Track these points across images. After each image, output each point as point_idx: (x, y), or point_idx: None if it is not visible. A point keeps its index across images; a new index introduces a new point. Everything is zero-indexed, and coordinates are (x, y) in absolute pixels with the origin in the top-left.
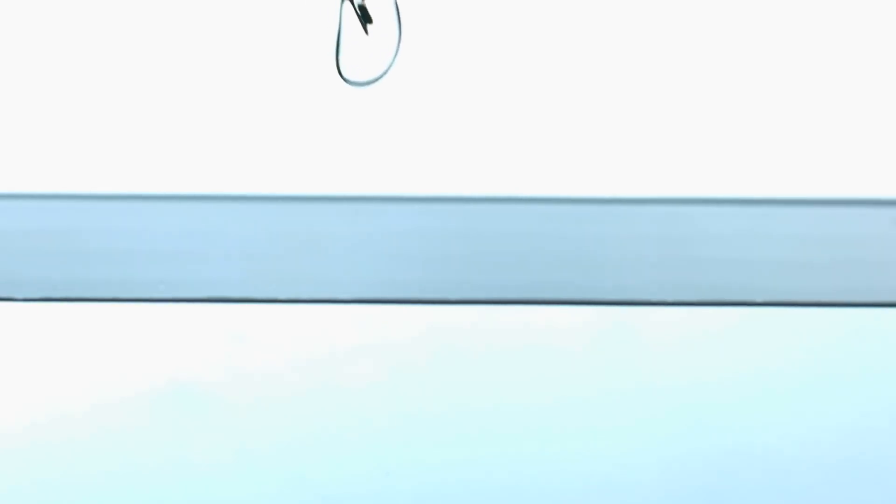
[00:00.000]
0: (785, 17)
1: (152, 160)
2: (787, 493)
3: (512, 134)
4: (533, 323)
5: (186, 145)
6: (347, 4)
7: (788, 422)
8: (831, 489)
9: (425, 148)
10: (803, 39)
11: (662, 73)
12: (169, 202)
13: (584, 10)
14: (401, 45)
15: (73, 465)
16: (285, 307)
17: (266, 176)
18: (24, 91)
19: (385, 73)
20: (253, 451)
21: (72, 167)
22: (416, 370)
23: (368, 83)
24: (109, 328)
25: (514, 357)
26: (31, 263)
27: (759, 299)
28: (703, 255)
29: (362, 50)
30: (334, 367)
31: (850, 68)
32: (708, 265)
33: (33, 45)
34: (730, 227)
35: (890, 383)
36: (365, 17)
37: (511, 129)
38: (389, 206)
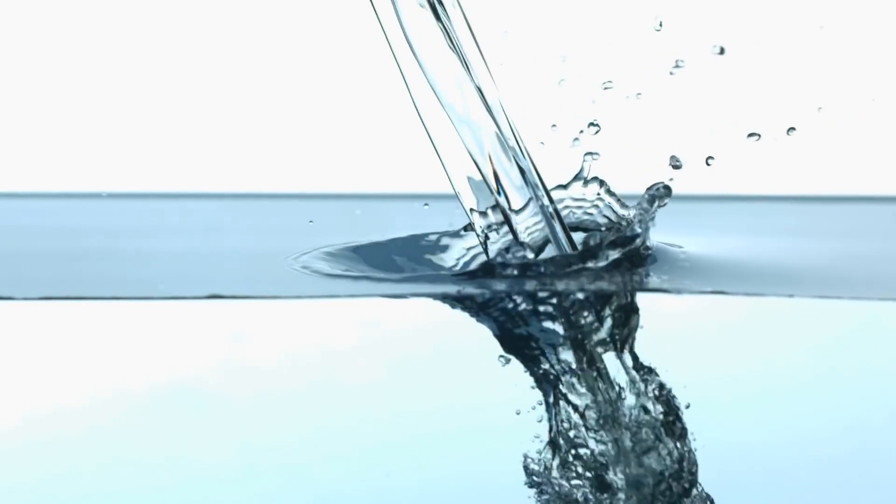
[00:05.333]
0: None
1: (152, 160)
2: (787, 493)
3: None
4: None
5: (186, 145)
6: None
7: (788, 420)
8: (831, 489)
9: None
10: None
11: None
12: (169, 202)
13: None
14: None
15: (72, 465)
16: (285, 306)
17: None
18: (23, 91)
19: None
20: (253, 451)
21: (72, 167)
22: (417, 369)
23: None
24: (109, 327)
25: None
26: (31, 263)
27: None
28: None
29: None
30: (334, 366)
31: None
32: None
33: (33, 45)
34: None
35: (890, 380)
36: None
37: None
38: None
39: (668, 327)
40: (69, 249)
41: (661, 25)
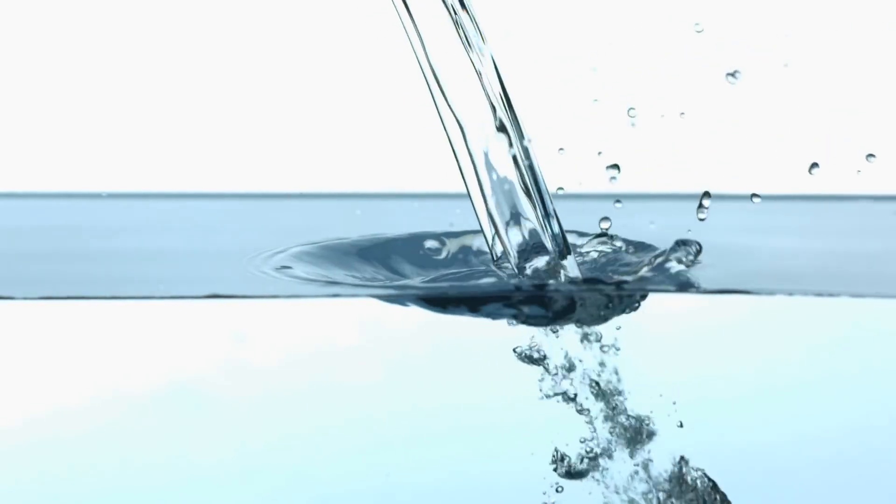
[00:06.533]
0: None
1: (152, 160)
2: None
3: None
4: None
5: (186, 145)
6: None
7: (788, 420)
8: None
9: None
10: None
11: None
12: (169, 201)
13: None
14: None
15: (72, 464)
16: (286, 305)
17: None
18: (23, 91)
19: None
20: (253, 451)
21: (72, 167)
22: (416, 370)
23: None
24: (109, 327)
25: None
26: (31, 263)
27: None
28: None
29: None
30: (334, 366)
31: None
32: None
33: (33, 45)
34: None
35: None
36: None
37: None
38: None
39: (666, 327)
40: (69, 249)
41: (700, 28)
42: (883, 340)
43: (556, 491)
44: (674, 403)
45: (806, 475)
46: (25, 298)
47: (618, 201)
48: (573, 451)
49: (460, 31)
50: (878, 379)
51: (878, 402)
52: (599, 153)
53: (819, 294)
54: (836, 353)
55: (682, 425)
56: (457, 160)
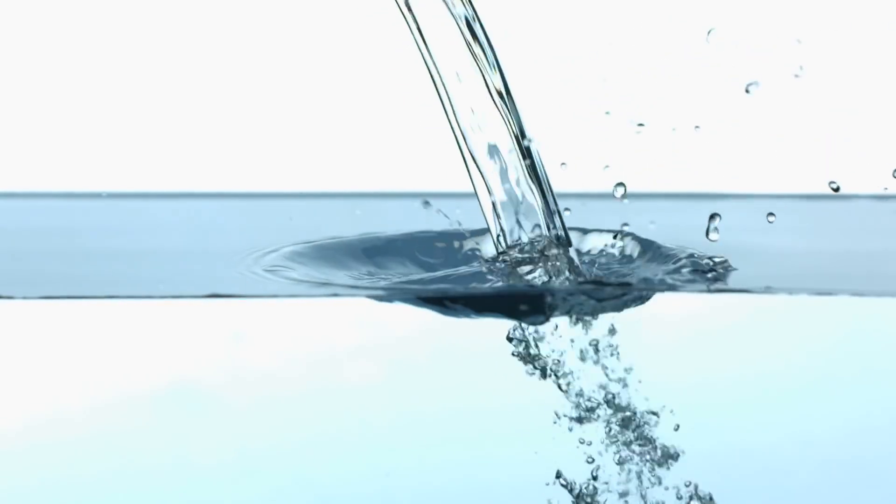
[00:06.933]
0: None
1: (152, 160)
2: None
3: None
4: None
5: (186, 145)
6: None
7: (788, 420)
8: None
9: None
10: None
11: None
12: (168, 202)
13: None
14: None
15: (72, 465)
16: (286, 305)
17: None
18: (23, 91)
19: None
20: (253, 451)
21: (72, 167)
22: (416, 370)
23: None
24: (109, 327)
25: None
26: (31, 263)
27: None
28: None
29: None
30: (334, 367)
31: None
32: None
33: (33, 45)
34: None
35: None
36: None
37: None
38: None
39: (665, 327)
40: (69, 249)
41: (709, 35)
42: (883, 340)
43: (561, 485)
44: (671, 412)
45: (806, 476)
46: (25, 298)
47: (625, 224)
48: (577, 472)
49: (461, 24)
50: (879, 379)
51: (878, 402)
52: (606, 167)
53: (819, 294)
54: (836, 352)
55: (678, 428)
56: (462, 158)
